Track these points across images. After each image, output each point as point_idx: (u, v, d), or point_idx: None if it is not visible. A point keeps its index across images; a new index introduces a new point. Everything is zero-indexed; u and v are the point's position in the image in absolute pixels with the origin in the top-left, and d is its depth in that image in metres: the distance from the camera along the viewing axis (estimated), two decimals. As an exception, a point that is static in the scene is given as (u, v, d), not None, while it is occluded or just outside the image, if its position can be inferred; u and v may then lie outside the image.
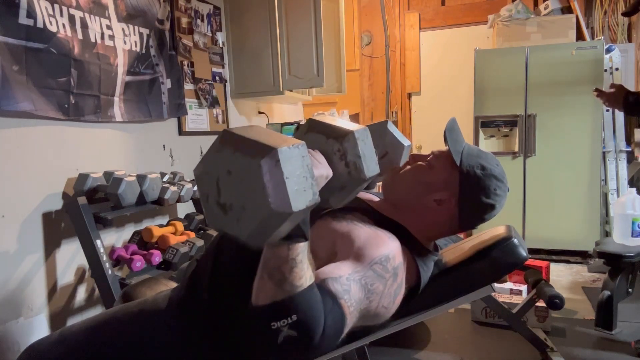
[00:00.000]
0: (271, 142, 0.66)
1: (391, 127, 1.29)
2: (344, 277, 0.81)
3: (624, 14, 2.27)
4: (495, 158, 1.07)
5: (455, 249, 1.20)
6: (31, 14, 1.80)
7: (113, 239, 2.38)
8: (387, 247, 0.91)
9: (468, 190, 1.01)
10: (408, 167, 1.10)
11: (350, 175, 0.83)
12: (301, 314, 0.70)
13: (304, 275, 0.73)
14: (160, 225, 2.43)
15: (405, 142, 1.30)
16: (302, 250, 0.73)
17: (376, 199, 1.15)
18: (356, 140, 0.82)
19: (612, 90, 2.21)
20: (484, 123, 3.75)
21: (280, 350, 0.71)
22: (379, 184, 1.37)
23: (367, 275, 0.84)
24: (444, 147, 1.08)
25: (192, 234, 2.43)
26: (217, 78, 3.24)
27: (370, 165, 0.85)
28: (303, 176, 0.68)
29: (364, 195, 1.14)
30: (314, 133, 0.84)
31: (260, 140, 0.67)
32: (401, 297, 0.92)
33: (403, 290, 0.93)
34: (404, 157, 1.29)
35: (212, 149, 0.70)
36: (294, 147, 0.67)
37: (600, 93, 2.27)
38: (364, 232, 0.93)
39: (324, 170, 0.78)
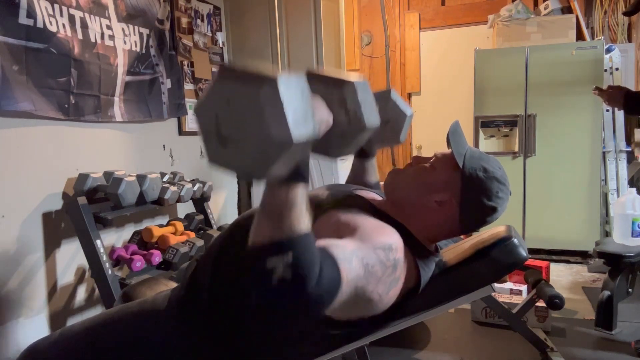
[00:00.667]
0: (270, 72, 0.65)
1: (395, 95, 1.27)
2: (347, 250, 0.81)
3: (625, 14, 2.27)
4: (498, 161, 1.07)
5: (455, 248, 1.20)
6: (31, 14, 1.80)
7: (113, 239, 2.38)
8: (391, 237, 0.91)
9: (470, 192, 1.01)
10: (410, 168, 1.10)
11: (350, 123, 0.81)
12: (297, 255, 0.70)
13: (303, 220, 0.72)
14: (160, 225, 2.43)
15: (408, 111, 1.29)
16: (301, 193, 0.72)
17: (379, 198, 1.15)
18: (356, 88, 0.81)
19: (611, 89, 2.23)
20: (484, 123, 3.75)
21: (273, 293, 0.70)
22: (382, 183, 1.37)
23: (370, 256, 0.84)
24: (446, 149, 1.08)
25: (192, 234, 2.43)
26: (217, 78, 3.24)
27: (371, 115, 0.83)
28: (303, 108, 0.67)
29: (367, 194, 1.14)
30: (313, 82, 0.80)
31: (259, 70, 0.66)
32: (396, 292, 0.91)
33: (398, 287, 0.92)
34: (406, 127, 1.29)
35: (211, 83, 0.69)
36: (293, 77, 0.66)
37: (600, 92, 2.27)
38: (369, 222, 0.94)
39: (324, 114, 0.78)
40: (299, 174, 0.72)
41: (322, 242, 0.78)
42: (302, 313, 0.75)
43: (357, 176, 1.41)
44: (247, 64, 0.69)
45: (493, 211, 1.03)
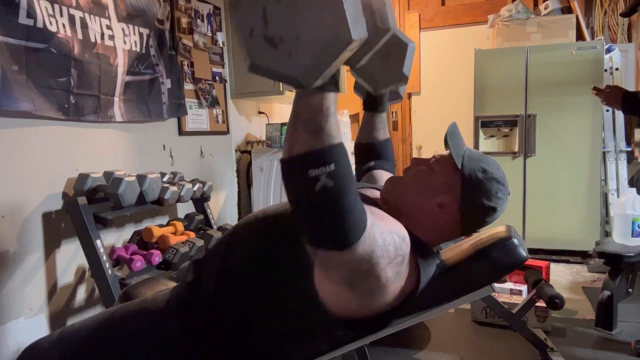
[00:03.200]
0: None
1: (394, 26, 1.25)
2: (370, 218, 0.81)
3: (622, 15, 2.27)
4: (496, 162, 1.08)
5: (455, 249, 1.20)
6: (31, 14, 1.80)
7: (113, 239, 2.38)
8: (403, 230, 0.92)
9: (470, 194, 1.01)
10: (409, 172, 1.10)
11: (376, 25, 0.77)
12: (338, 164, 0.70)
13: (338, 128, 0.72)
14: (160, 225, 2.43)
15: (410, 41, 1.26)
16: (334, 101, 0.71)
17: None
18: None
19: (609, 90, 2.23)
20: (484, 123, 3.75)
21: (316, 200, 0.70)
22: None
23: (387, 234, 0.84)
24: (444, 151, 1.08)
25: (192, 234, 2.43)
26: (217, 78, 3.24)
27: (392, 18, 0.80)
28: (355, 5, 0.63)
29: (371, 193, 1.14)
30: None
31: None
32: (398, 286, 0.90)
33: (401, 283, 0.91)
34: (409, 58, 1.27)
35: None
36: None
37: (598, 91, 2.28)
38: (382, 213, 0.95)
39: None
40: (334, 81, 0.70)
41: None
42: (332, 232, 0.73)
43: (367, 132, 1.41)
44: None
45: (493, 211, 1.03)
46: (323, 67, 0.62)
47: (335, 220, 0.72)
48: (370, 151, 1.43)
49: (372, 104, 1.38)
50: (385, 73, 1.17)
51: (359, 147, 1.45)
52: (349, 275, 0.81)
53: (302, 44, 0.61)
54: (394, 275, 0.88)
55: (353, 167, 1.41)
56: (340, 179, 0.70)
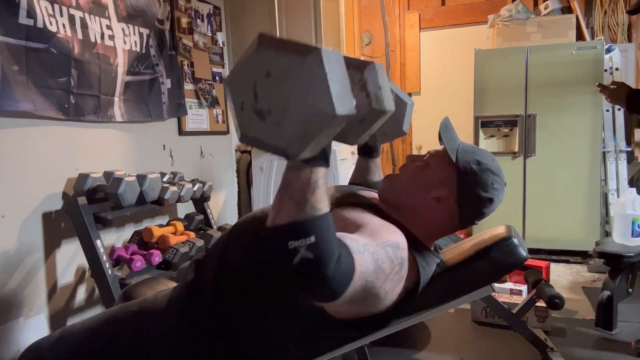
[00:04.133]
0: (311, 44, 0.64)
1: (393, 86, 1.28)
2: (360, 242, 0.81)
3: (629, 12, 2.25)
4: (490, 154, 1.09)
5: (455, 248, 1.20)
6: (31, 14, 1.80)
7: (113, 239, 2.38)
8: (398, 236, 0.92)
9: (466, 186, 1.03)
10: (405, 169, 1.11)
11: (371, 106, 0.80)
12: (319, 236, 0.70)
13: (324, 200, 0.73)
14: (160, 225, 2.43)
15: (408, 100, 1.29)
16: (323, 175, 0.73)
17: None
18: (377, 70, 0.80)
19: (614, 86, 2.21)
20: (484, 123, 3.75)
21: (294, 273, 0.71)
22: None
23: (380, 252, 0.85)
24: (439, 147, 1.09)
25: (192, 234, 2.43)
26: (217, 78, 3.24)
27: (389, 99, 0.82)
28: (343, 81, 0.65)
29: (368, 193, 1.14)
30: None
31: (299, 41, 0.64)
32: (398, 291, 0.92)
33: (401, 286, 0.92)
34: (407, 116, 1.29)
35: (248, 52, 0.66)
36: (333, 51, 0.65)
37: (603, 88, 2.26)
38: (375, 220, 0.95)
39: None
40: (324, 157, 0.72)
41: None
42: (317, 295, 0.75)
43: (361, 176, 1.42)
44: (283, 36, 0.68)
45: (490, 202, 1.04)
46: (308, 139, 0.64)
47: (318, 286, 0.72)
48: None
49: (367, 150, 1.40)
50: (384, 129, 1.19)
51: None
52: (349, 300, 0.82)
53: (288, 117, 0.64)
54: (394, 284, 0.89)
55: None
56: (320, 251, 0.70)
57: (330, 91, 0.62)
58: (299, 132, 0.64)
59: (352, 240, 0.79)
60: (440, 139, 1.06)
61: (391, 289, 0.88)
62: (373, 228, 0.90)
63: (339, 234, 0.79)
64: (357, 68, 0.81)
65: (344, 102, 0.64)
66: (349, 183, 1.45)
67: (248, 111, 0.66)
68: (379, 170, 1.45)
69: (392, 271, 0.87)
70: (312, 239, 0.70)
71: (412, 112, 1.29)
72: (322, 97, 0.62)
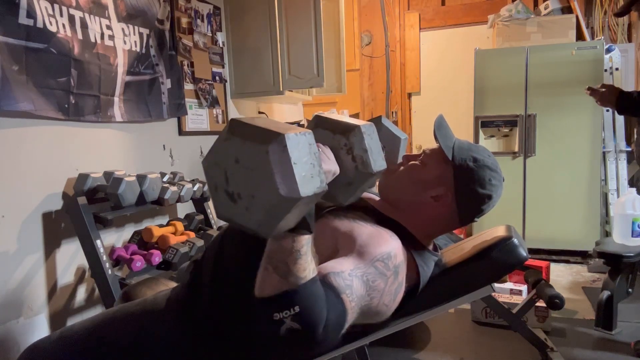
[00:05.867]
0: (279, 129, 0.67)
1: (386, 121, 1.29)
2: (346, 272, 0.81)
3: (616, 15, 2.26)
4: (487, 150, 1.08)
5: (455, 249, 1.20)
6: (31, 14, 1.80)
7: (113, 239, 2.38)
8: (388, 245, 0.91)
9: (463, 183, 1.02)
10: (402, 167, 1.10)
11: (357, 169, 0.83)
12: (304, 306, 0.71)
13: (308, 267, 0.73)
14: (160, 225, 2.43)
15: (402, 135, 1.31)
16: (306, 242, 0.73)
17: (377, 198, 1.15)
18: (362, 134, 0.83)
19: (604, 89, 2.22)
20: (484, 123, 3.75)
21: (282, 343, 0.72)
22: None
23: (369, 272, 0.84)
24: (435, 145, 1.09)
25: (192, 234, 2.43)
26: (217, 78, 3.24)
27: (377, 160, 0.85)
28: (310, 163, 0.68)
29: (365, 194, 1.14)
30: (321, 129, 0.85)
31: (267, 127, 0.67)
32: (401, 295, 0.92)
33: (403, 289, 0.93)
34: (402, 151, 1.30)
35: (220, 139, 0.70)
36: (301, 134, 0.68)
37: (593, 91, 2.27)
38: (366, 230, 0.94)
39: (331, 166, 0.79)
40: (305, 226, 0.73)
41: (321, 271, 0.79)
42: (311, 354, 0.77)
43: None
44: (256, 120, 0.70)
45: (489, 198, 1.03)
46: (276, 221, 0.67)
47: (308, 350, 0.73)
48: None
49: None
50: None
51: None
52: (350, 325, 0.83)
53: (256, 201, 0.67)
54: (393, 295, 0.89)
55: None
56: (306, 320, 0.70)
57: (294, 176, 0.65)
58: (266, 216, 0.67)
59: (339, 276, 0.79)
60: (435, 137, 1.06)
61: (392, 300, 0.89)
62: (363, 243, 0.90)
63: (324, 271, 0.79)
64: (342, 133, 0.84)
65: (310, 183, 0.67)
66: None
67: (221, 193, 0.70)
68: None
69: (387, 284, 0.87)
70: (297, 309, 0.70)
71: (405, 146, 1.30)
72: (286, 182, 0.65)
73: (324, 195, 0.82)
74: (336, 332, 0.75)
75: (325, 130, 0.85)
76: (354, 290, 0.80)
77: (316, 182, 0.69)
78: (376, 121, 1.29)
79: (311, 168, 0.68)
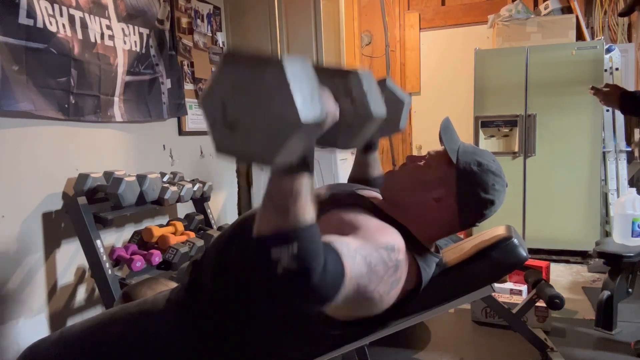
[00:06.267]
0: (274, 55, 0.67)
1: (390, 84, 1.27)
2: (351, 246, 0.81)
3: (620, 14, 2.27)
4: (492, 154, 1.07)
5: (455, 249, 1.20)
6: (31, 14, 1.80)
7: (113, 239, 2.38)
8: (394, 238, 0.91)
9: (466, 187, 1.02)
10: (405, 167, 1.10)
11: (357, 112, 0.82)
12: (302, 246, 0.70)
13: (307, 211, 0.73)
14: (160, 225, 2.43)
15: (406, 98, 1.29)
16: (305, 184, 0.73)
17: (380, 197, 1.15)
18: (361, 77, 0.82)
19: (608, 89, 2.22)
20: (484, 123, 3.75)
21: (278, 285, 0.70)
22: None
23: (373, 255, 0.84)
24: (440, 148, 1.09)
25: (192, 234, 2.43)
26: (217, 78, 3.23)
27: (377, 104, 0.84)
28: (309, 89, 0.67)
29: (367, 193, 1.14)
30: (319, 74, 0.84)
31: (263, 54, 0.67)
32: (396, 293, 0.91)
33: (399, 288, 0.92)
34: (405, 113, 1.28)
35: (216, 72, 0.69)
36: (299, 59, 0.67)
37: (596, 91, 2.27)
38: (372, 222, 0.94)
39: (331, 105, 0.78)
40: (305, 164, 0.72)
41: (326, 238, 0.78)
42: (305, 305, 0.75)
43: (361, 171, 1.41)
44: (250, 48, 0.70)
45: (491, 204, 1.03)
46: (278, 147, 0.66)
47: (303, 296, 0.72)
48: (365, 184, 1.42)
49: (366, 145, 1.39)
50: (382, 126, 1.19)
51: (352, 182, 1.43)
52: (343, 304, 0.82)
53: (255, 129, 0.66)
54: (389, 287, 0.89)
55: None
56: (303, 262, 0.69)
57: (293, 99, 0.63)
58: (268, 140, 0.65)
59: (343, 245, 0.79)
60: (440, 139, 1.06)
61: (386, 292, 0.88)
62: (368, 230, 0.90)
63: (330, 238, 0.79)
64: (341, 75, 0.83)
65: (310, 109, 0.65)
66: (349, 179, 1.44)
67: (219, 126, 0.69)
68: (378, 164, 1.43)
69: (386, 274, 0.86)
70: (295, 249, 0.69)
71: (409, 110, 1.28)
72: (286, 106, 0.63)
73: (323, 141, 0.81)
74: (332, 289, 0.74)
75: (323, 75, 0.84)
76: (355, 264, 0.79)
77: (316, 109, 0.67)
78: (381, 83, 1.28)
79: (310, 95, 0.67)
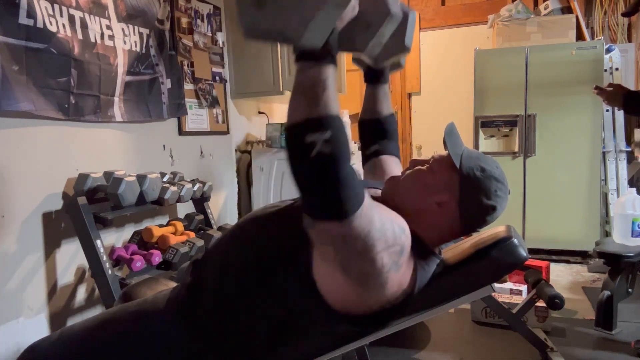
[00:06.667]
0: None
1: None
2: (369, 200, 0.84)
3: (624, 14, 2.27)
4: (495, 161, 1.07)
5: (455, 248, 1.20)
6: (31, 14, 1.80)
7: (113, 239, 2.38)
8: (405, 223, 0.93)
9: (468, 192, 1.01)
10: (408, 171, 1.10)
11: (377, 9, 0.85)
12: (334, 134, 0.75)
13: (335, 101, 0.78)
14: (160, 225, 2.43)
15: (411, 13, 1.25)
16: (332, 75, 0.79)
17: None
18: None
19: (612, 88, 2.22)
20: (484, 123, 3.75)
21: (312, 166, 0.76)
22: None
23: (386, 222, 0.87)
24: (443, 151, 1.08)
25: (192, 234, 2.43)
26: (217, 78, 3.24)
27: (395, 5, 0.88)
28: None
29: (374, 192, 1.14)
30: None
31: None
32: (394, 277, 0.90)
33: (398, 276, 0.90)
34: (410, 28, 1.25)
35: None
36: None
37: (600, 91, 2.27)
38: (384, 206, 0.96)
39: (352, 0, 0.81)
40: (330, 53, 0.78)
41: None
42: (326, 213, 0.78)
43: (370, 107, 1.36)
44: None
45: (493, 210, 1.03)
46: (305, 23, 0.70)
47: (332, 188, 0.76)
48: (375, 129, 1.38)
49: (373, 76, 1.32)
50: (389, 45, 1.18)
51: (363, 126, 1.40)
52: (343, 254, 0.83)
53: (283, 4, 0.71)
54: (391, 263, 0.88)
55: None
56: (336, 147, 0.75)
57: None
58: (296, 14, 0.70)
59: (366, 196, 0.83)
60: (445, 144, 1.06)
61: (388, 266, 0.87)
62: (384, 208, 0.93)
63: None
64: None
65: None
66: (359, 120, 1.40)
67: (248, 5, 0.73)
68: (388, 99, 1.37)
69: (393, 246, 0.87)
70: (328, 134, 0.75)
71: (414, 26, 1.25)
72: None
73: (344, 39, 0.84)
74: (353, 200, 0.77)
75: None
76: (373, 213, 0.82)
77: None
78: None
79: None
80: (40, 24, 1.84)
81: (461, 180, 1.01)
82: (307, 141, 0.74)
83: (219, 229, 2.64)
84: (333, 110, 0.77)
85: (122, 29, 2.32)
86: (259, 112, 3.86)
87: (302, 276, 0.91)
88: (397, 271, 0.90)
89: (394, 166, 1.33)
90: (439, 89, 4.73)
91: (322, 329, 0.97)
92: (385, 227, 0.85)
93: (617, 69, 3.62)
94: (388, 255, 0.86)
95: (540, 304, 2.22)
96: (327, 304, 0.92)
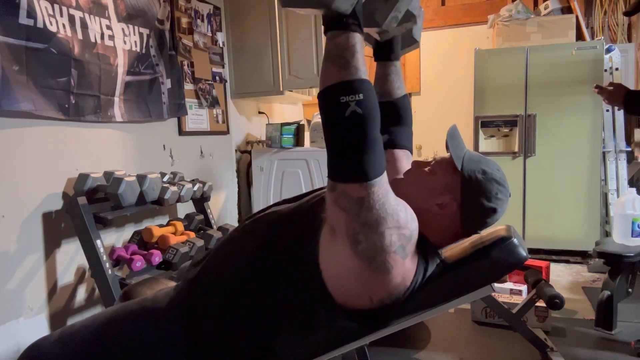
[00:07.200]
0: None
1: None
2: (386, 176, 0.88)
3: (626, 14, 2.26)
4: (496, 164, 1.07)
5: (455, 248, 1.20)
6: (31, 14, 1.80)
7: (113, 239, 2.38)
8: (415, 215, 0.95)
9: (470, 194, 1.02)
10: (410, 173, 1.10)
11: None
12: (366, 96, 0.82)
13: (364, 67, 0.84)
14: (160, 225, 2.43)
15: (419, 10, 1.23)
16: (359, 40, 0.85)
17: None
18: None
19: (612, 87, 2.22)
20: (484, 123, 3.75)
21: (345, 125, 0.82)
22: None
23: (400, 204, 0.90)
24: (444, 151, 1.09)
25: (192, 234, 2.43)
26: (217, 78, 3.24)
27: None
28: None
29: None
30: None
31: None
32: (399, 260, 0.90)
33: (403, 261, 0.91)
34: (419, 27, 1.23)
35: None
36: None
37: (600, 90, 2.27)
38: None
39: None
40: (357, 21, 0.85)
41: None
42: (359, 163, 0.83)
43: (380, 85, 1.27)
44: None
45: (493, 212, 1.03)
46: None
47: (361, 149, 0.82)
48: (387, 113, 1.21)
49: (383, 51, 1.24)
50: (400, 36, 1.18)
51: None
52: (356, 222, 0.85)
53: None
54: (399, 244, 0.88)
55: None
56: (368, 109, 0.81)
57: None
58: None
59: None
60: (447, 146, 1.06)
61: (395, 245, 0.87)
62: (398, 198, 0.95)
63: None
64: None
65: None
66: None
67: None
68: (401, 79, 1.28)
69: (403, 229, 0.89)
70: (361, 96, 0.81)
71: (422, 24, 1.24)
72: None
73: (365, 11, 0.90)
74: (377, 164, 0.84)
75: None
76: (391, 191, 0.88)
77: None
78: None
79: None
80: (40, 24, 1.84)
81: (462, 182, 1.02)
82: (342, 101, 0.80)
83: (219, 229, 2.64)
84: (363, 74, 0.82)
85: (122, 29, 2.32)
86: (259, 112, 3.86)
87: (308, 266, 0.92)
88: (404, 257, 0.90)
89: (404, 162, 1.27)
90: (439, 89, 4.73)
91: (322, 325, 0.97)
92: (398, 208, 0.89)
93: (617, 69, 3.62)
94: (397, 235, 0.88)
95: (540, 304, 2.22)
96: (330, 296, 0.92)
